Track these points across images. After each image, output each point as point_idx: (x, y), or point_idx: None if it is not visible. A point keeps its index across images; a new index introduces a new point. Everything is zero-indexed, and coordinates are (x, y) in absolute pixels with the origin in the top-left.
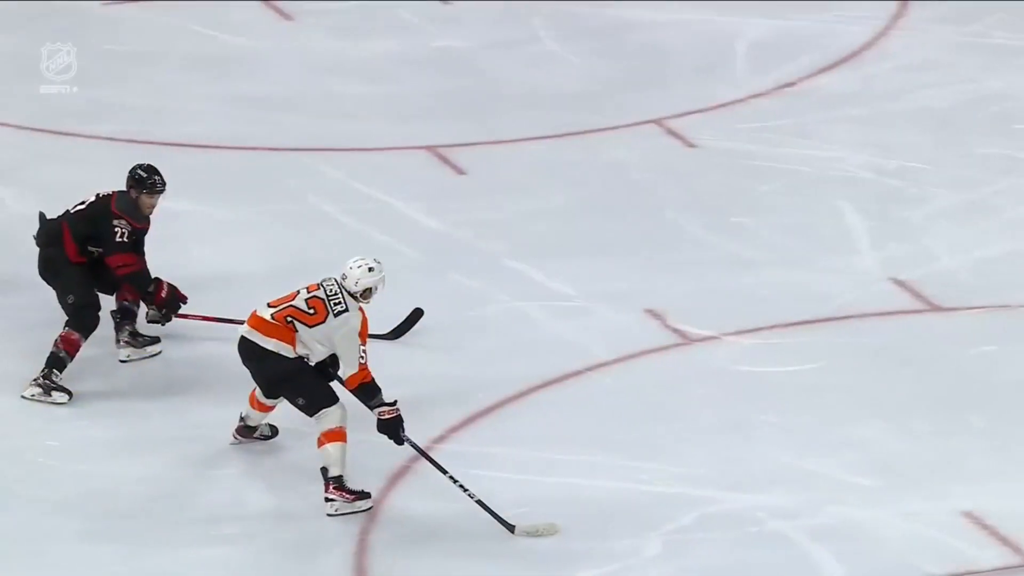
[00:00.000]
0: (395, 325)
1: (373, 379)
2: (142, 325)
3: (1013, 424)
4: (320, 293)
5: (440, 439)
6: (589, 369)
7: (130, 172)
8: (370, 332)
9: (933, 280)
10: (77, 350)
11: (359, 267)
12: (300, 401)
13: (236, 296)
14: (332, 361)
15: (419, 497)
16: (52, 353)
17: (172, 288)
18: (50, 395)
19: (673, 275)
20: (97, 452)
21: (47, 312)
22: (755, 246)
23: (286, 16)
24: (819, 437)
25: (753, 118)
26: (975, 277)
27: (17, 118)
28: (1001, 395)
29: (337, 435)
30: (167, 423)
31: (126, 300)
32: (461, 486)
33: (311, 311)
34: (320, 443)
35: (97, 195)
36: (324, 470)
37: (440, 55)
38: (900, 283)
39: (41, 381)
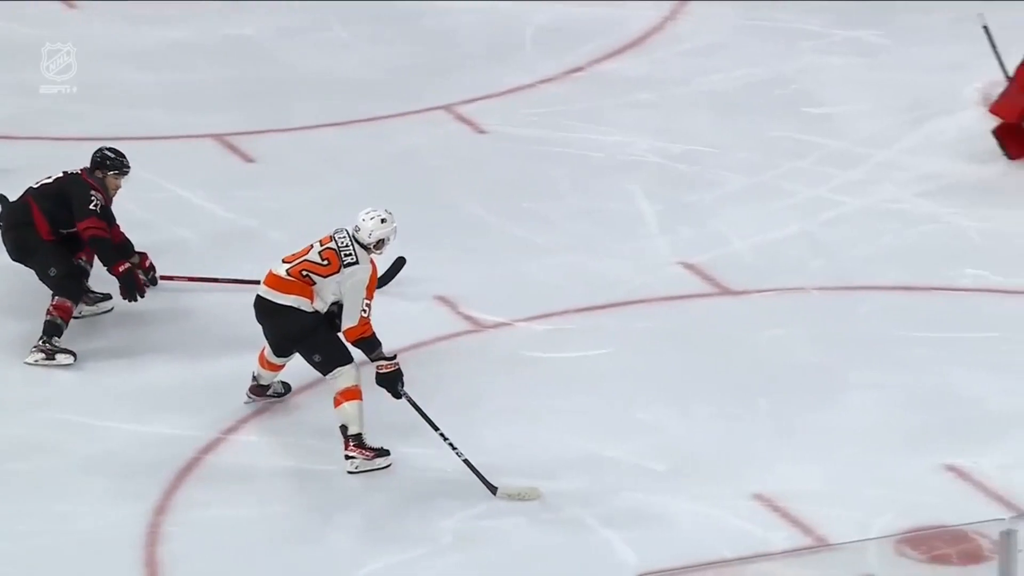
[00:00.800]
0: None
1: (373, 333)
2: (94, 281)
3: (800, 407)
4: (332, 244)
5: (230, 430)
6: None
7: (97, 153)
8: None
9: (722, 264)
10: (71, 315)
11: (372, 218)
12: (316, 358)
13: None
14: (339, 311)
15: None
16: (47, 321)
17: (131, 269)
18: (54, 358)
19: (464, 262)
20: (109, 411)
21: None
22: (546, 232)
23: (70, 4)
24: (610, 423)
25: (543, 103)
26: (764, 260)
27: None
28: (788, 378)
29: (353, 393)
30: (176, 380)
31: (81, 259)
32: (451, 444)
33: (325, 262)
34: (337, 402)
35: (64, 172)
36: (343, 428)
37: (230, 43)
38: (690, 267)
39: (42, 346)
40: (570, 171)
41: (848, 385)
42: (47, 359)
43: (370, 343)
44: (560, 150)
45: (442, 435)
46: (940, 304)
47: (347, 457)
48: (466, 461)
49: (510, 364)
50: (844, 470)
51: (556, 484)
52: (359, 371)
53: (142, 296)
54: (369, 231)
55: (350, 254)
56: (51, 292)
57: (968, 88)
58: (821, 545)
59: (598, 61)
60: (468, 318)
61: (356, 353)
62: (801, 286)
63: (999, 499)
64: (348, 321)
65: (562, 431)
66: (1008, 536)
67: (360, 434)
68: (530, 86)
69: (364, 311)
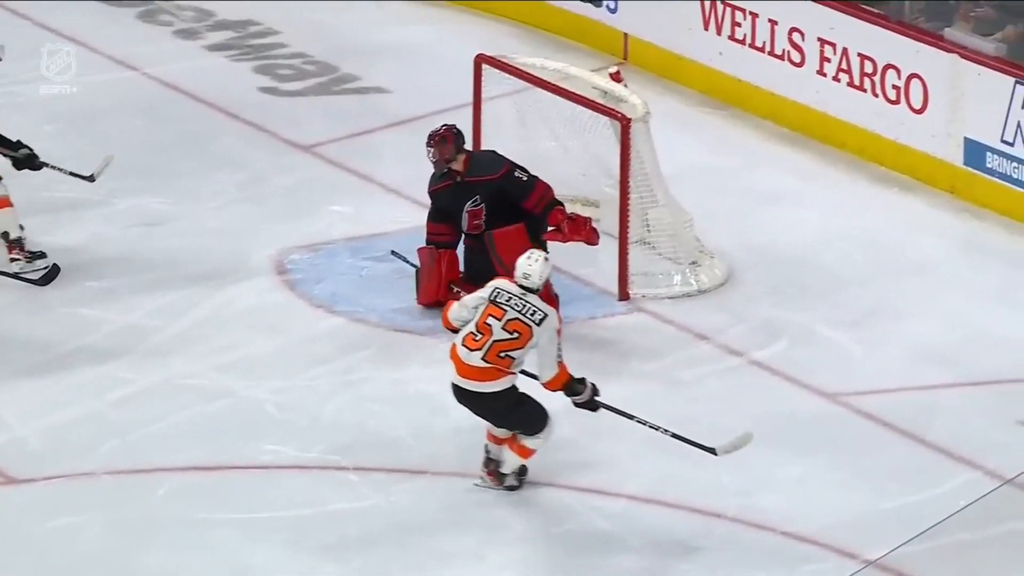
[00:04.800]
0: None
1: (570, 374)
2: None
3: None
4: (510, 313)
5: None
6: None
7: None
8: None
9: (5, 452)
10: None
11: (536, 261)
12: (520, 425)
13: None
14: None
15: None
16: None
17: None
18: (33, 263)
19: None
20: None
21: None
22: None
23: None
24: None
25: None
26: (51, 444)
27: None
28: (78, 570)
29: (528, 455)
30: None
31: None
32: (652, 426)
33: (515, 335)
34: (511, 446)
35: None
36: (495, 463)
37: None
38: None
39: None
40: None
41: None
42: (27, 263)
43: (571, 386)
44: None
45: (640, 421)
46: (240, 482)
47: (483, 478)
48: (675, 435)
49: None
50: None
51: None
52: (552, 434)
53: None
54: (539, 273)
55: (534, 311)
56: None
57: (258, 255)
58: None
59: None
60: None
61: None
62: (91, 471)
63: None
64: (547, 372)
65: None
66: None
67: (505, 475)
68: None
69: (559, 356)
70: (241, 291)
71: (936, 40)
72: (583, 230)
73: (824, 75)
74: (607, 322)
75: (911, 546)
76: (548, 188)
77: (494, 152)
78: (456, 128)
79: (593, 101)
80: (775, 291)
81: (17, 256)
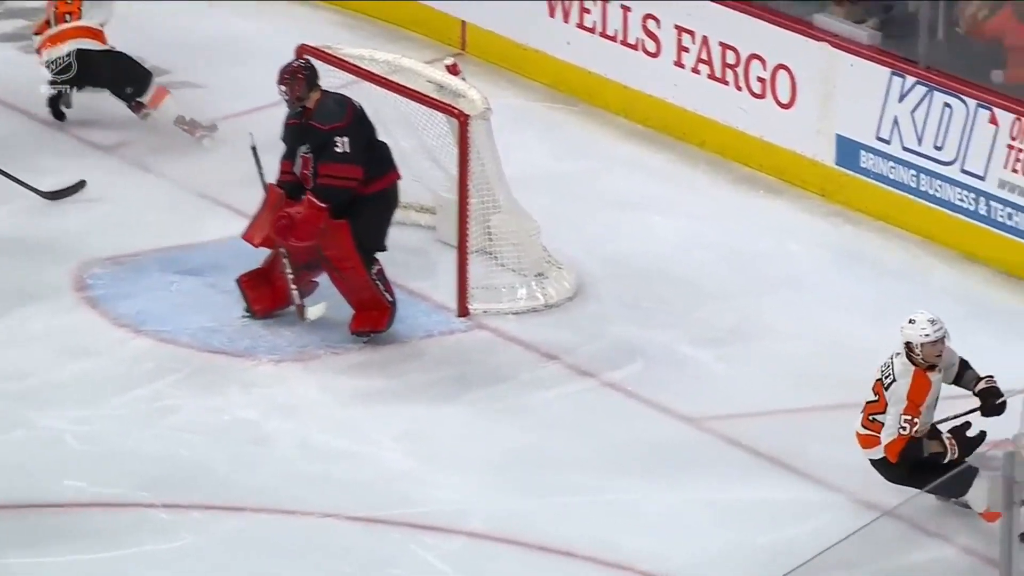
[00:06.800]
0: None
1: (908, 444)
2: None
3: None
4: (879, 374)
5: None
6: None
7: None
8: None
9: None
10: None
11: (910, 323)
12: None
13: None
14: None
15: None
16: None
17: None
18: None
19: None
20: None
21: None
22: None
23: None
24: None
25: None
26: None
27: None
28: None
29: (992, 518)
30: None
31: None
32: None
33: (875, 397)
34: (990, 520)
35: None
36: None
37: None
38: None
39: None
40: None
41: None
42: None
43: (910, 452)
44: None
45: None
46: (36, 521)
47: None
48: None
49: None
50: None
51: None
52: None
53: None
54: (906, 337)
55: (888, 375)
56: None
57: (55, 269)
58: None
59: None
60: None
61: None
62: None
63: None
64: (886, 436)
65: None
66: None
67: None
68: None
69: (903, 428)
70: (37, 310)
71: (805, 28)
72: (295, 233)
73: (682, 66)
74: (445, 340)
75: None
76: (347, 179)
77: (342, 103)
78: (309, 64)
79: (428, 96)
80: (630, 306)
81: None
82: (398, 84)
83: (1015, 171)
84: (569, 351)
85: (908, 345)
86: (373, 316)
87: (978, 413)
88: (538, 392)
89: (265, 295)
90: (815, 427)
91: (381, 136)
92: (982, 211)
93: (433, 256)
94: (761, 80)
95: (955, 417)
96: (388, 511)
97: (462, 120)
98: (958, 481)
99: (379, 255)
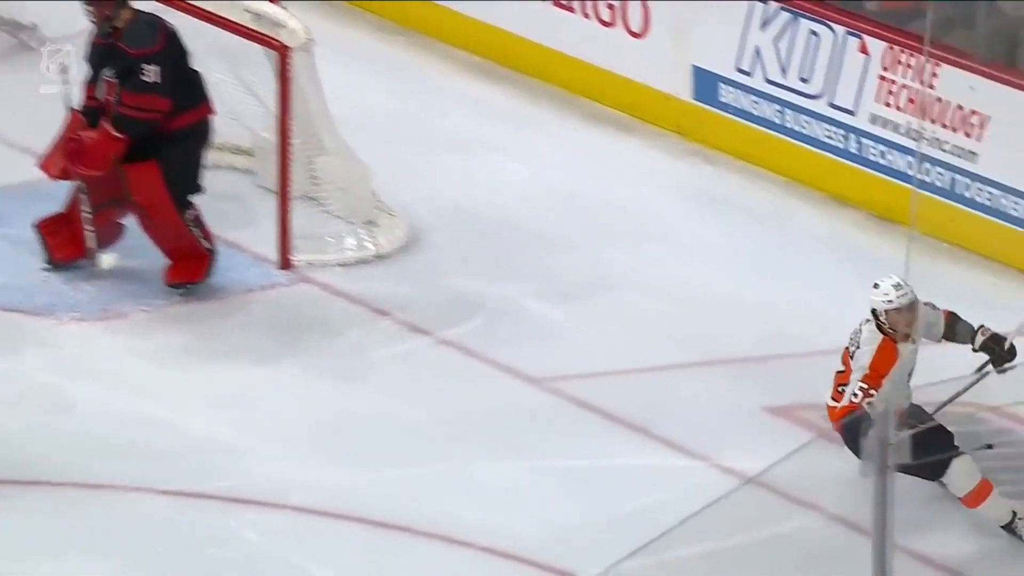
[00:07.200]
0: None
1: (852, 414)
2: None
3: None
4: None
5: None
6: None
7: None
8: None
9: None
10: None
11: (875, 287)
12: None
13: None
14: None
15: None
16: None
17: None
18: None
19: None
20: None
21: None
22: None
23: None
24: None
25: None
26: None
27: None
28: None
29: (981, 492)
30: None
31: None
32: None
33: (843, 368)
34: (971, 506)
35: None
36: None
37: None
38: None
39: None
40: None
41: None
42: None
43: (852, 425)
44: None
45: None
46: None
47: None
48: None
49: None
50: None
51: None
52: (970, 463)
53: None
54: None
55: (854, 343)
56: None
57: None
58: None
59: None
60: None
61: None
62: None
63: None
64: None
65: None
66: None
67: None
68: None
69: (855, 395)
70: None
71: None
72: (83, 160)
73: None
74: (266, 295)
75: (638, 559)
76: (152, 111)
77: (154, 25)
78: None
79: (244, 26)
80: (469, 257)
81: None
82: (210, 13)
83: (888, 105)
84: (402, 306)
85: (874, 312)
86: (190, 266)
87: (989, 369)
88: (368, 352)
89: (67, 241)
90: (674, 387)
91: (194, 65)
92: (852, 149)
93: (251, 203)
94: (611, 7)
95: (965, 390)
96: (204, 484)
97: (282, 52)
98: (935, 463)
99: (195, 199)
